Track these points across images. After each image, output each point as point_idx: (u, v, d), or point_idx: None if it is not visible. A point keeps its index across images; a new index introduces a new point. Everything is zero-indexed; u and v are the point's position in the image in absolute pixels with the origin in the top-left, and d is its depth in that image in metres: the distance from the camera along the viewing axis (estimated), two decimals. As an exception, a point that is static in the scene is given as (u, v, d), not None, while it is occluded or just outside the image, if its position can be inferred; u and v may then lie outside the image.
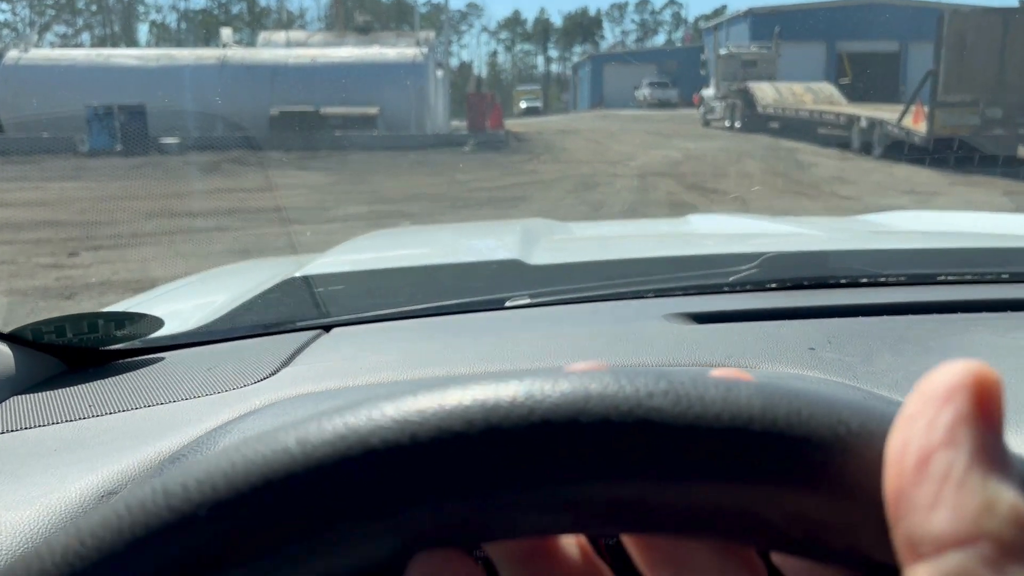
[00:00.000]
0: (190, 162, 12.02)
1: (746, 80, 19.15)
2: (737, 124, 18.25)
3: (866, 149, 12.29)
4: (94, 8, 59.77)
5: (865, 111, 13.29)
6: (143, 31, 63.51)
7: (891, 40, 31.74)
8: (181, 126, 14.37)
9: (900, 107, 11.94)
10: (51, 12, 59.76)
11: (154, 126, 14.00)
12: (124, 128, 13.33)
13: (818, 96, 17.54)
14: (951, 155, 10.21)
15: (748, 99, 17.94)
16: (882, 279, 0.97)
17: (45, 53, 17.41)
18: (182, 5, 63.87)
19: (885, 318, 0.79)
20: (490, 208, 7.93)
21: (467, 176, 10.54)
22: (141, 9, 63.20)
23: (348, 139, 14.24)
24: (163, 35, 62.04)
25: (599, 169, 10.95)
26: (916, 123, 10.98)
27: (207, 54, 17.53)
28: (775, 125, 16.75)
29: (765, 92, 17.82)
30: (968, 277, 0.98)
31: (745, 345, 0.69)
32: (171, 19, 63.67)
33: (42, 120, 14.68)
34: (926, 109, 10.89)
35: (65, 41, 54.29)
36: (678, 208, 7.75)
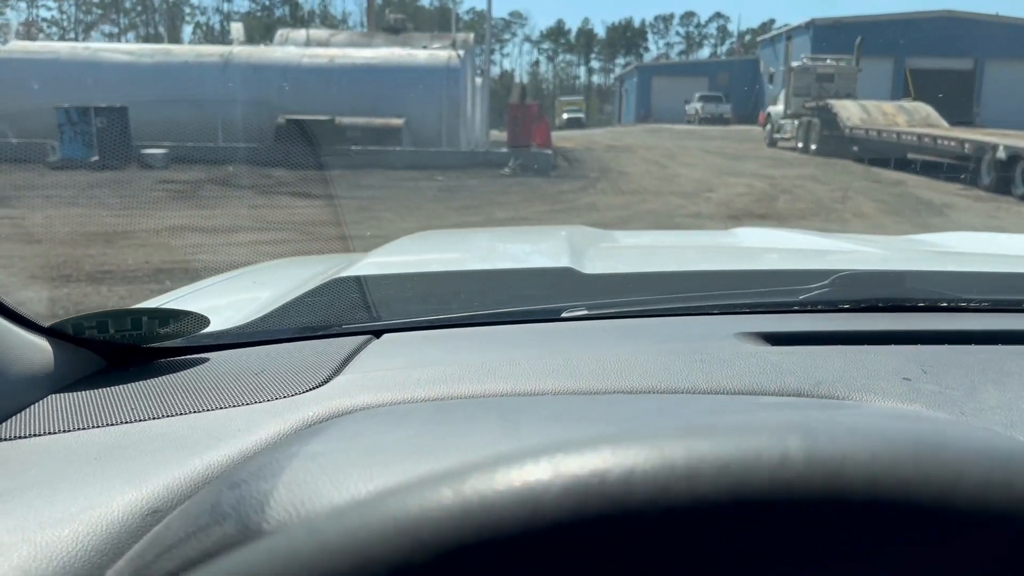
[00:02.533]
0: (166, 182, 9.69)
1: (822, 96, 17.54)
2: (813, 146, 16.53)
3: (1002, 186, 9.98)
4: (139, 8, 59.87)
5: (1004, 139, 10.85)
6: (187, 32, 63.52)
7: (965, 57, 29.68)
8: (176, 133, 12.10)
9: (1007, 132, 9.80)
10: (98, 11, 60.03)
11: (145, 132, 11.72)
12: (102, 135, 11.41)
13: (912, 117, 15.60)
14: None
15: (828, 118, 16.30)
16: (963, 304, 0.93)
17: (24, 45, 15.45)
18: (226, 7, 63.67)
19: (977, 347, 0.76)
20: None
21: (506, 212, 8.28)
22: (187, 10, 63.21)
23: (367, 155, 12.01)
24: (208, 37, 61.75)
25: (674, 204, 8.67)
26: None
27: (209, 51, 15.33)
28: (855, 148, 14.92)
29: (851, 111, 15.91)
30: None
31: (832, 373, 0.66)
32: (215, 20, 63.44)
33: (18, 121, 12.82)
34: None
35: (112, 39, 54.23)
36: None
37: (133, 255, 6.20)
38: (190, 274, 5.29)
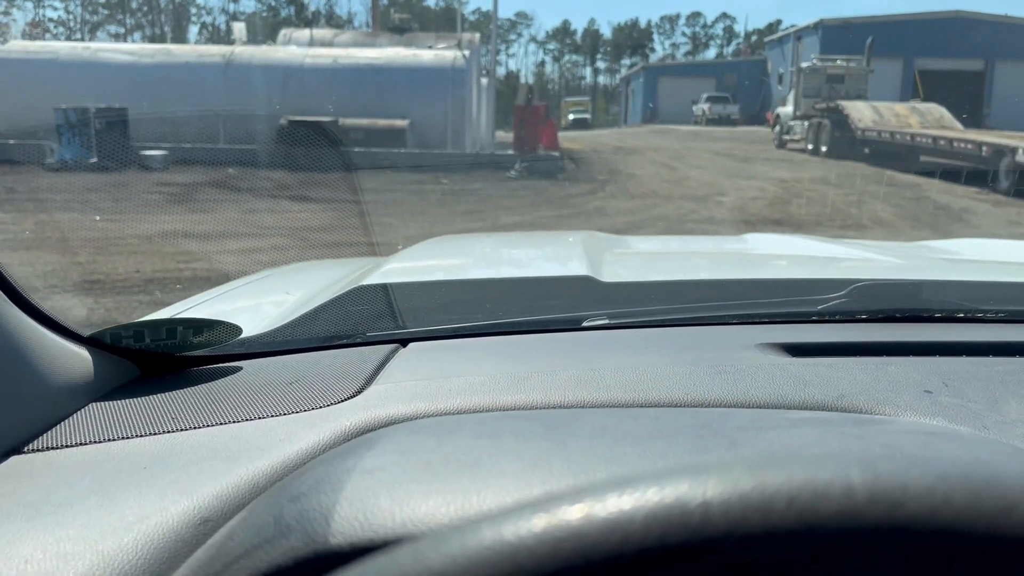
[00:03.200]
0: (164, 184, 9.46)
1: (832, 97, 17.32)
2: (823, 147, 16.27)
3: (1022, 191, 9.72)
4: (146, 8, 59.89)
5: (1019, 142, 10.60)
6: (193, 33, 63.50)
7: (975, 58, 29.40)
8: (176, 134, 11.89)
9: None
10: (104, 11, 60.07)
11: (145, 133, 11.53)
12: (100, 137, 11.23)
13: (926, 119, 15.33)
14: None
15: (839, 120, 16.06)
16: (979, 315, 0.94)
17: (24, 45, 15.28)
18: (231, 7, 63.65)
19: (995, 359, 0.76)
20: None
21: (512, 218, 8.06)
22: (193, 11, 63.21)
23: (371, 157, 11.81)
24: (213, 37, 61.69)
25: (686, 209, 8.44)
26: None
27: (211, 51, 15.13)
28: (866, 151, 14.72)
29: (862, 112, 15.67)
30: None
31: (855, 384, 0.68)
32: (221, 21, 63.38)
33: (17, 122, 12.65)
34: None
35: (118, 39, 54.25)
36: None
37: (124, 262, 6.00)
38: (198, 279, 5.08)
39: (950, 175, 11.36)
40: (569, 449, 0.44)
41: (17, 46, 14.77)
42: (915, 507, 0.27)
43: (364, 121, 12.67)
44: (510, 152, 13.74)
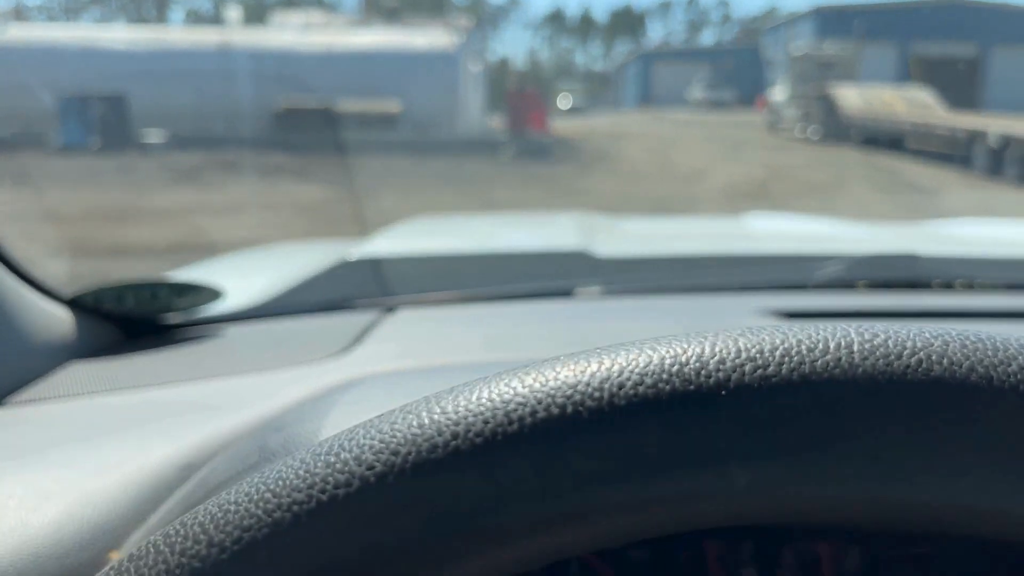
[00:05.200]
0: (168, 166, 9.73)
1: (823, 83, 17.53)
2: (813, 133, 16.49)
3: (994, 171, 10.08)
4: (129, -7, 59.46)
5: (995, 124, 10.93)
6: (178, 18, 63.00)
7: (969, 43, 29.55)
8: (171, 120, 12.14)
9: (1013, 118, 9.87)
10: (86, -3, 59.62)
11: (140, 119, 11.80)
12: (102, 121, 11.51)
13: (913, 104, 15.61)
14: None
15: (828, 105, 16.26)
16: (976, 283, 0.95)
17: (23, 33, 15.51)
18: (217, -9, 63.13)
19: (989, 323, 0.78)
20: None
21: (504, 193, 8.37)
22: (177, -6, 62.72)
23: (364, 141, 12.10)
24: (198, 23, 61.33)
25: (671, 189, 8.75)
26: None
27: (206, 37, 15.41)
28: (857, 136, 14.91)
29: (850, 98, 15.95)
30: None
31: None
32: (206, 7, 62.98)
33: (18, 108, 12.86)
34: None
35: (101, 26, 53.86)
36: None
37: (144, 233, 6.30)
38: (174, 255, 5.40)
39: (931, 157, 11.70)
40: None
41: (14, 34, 15.00)
42: (913, 360, 0.27)
43: (359, 105, 12.96)
44: (502, 136, 14.05)
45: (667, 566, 0.38)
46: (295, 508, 0.25)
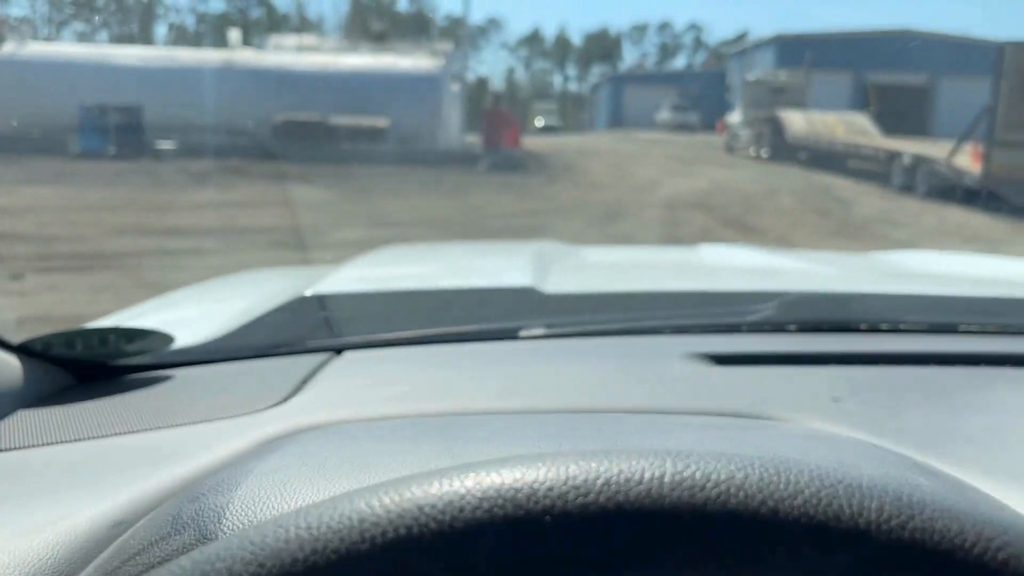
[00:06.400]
0: (183, 170, 11.10)
1: (774, 108, 18.57)
2: (764, 153, 17.68)
3: (907, 187, 11.50)
4: (113, 7, 59.87)
5: (909, 147, 12.45)
6: (161, 32, 63.50)
7: (920, 72, 31.10)
8: (180, 130, 13.49)
9: (942, 143, 11.24)
10: (69, 9, 59.96)
11: (151, 129, 13.17)
12: (118, 130, 12.66)
13: (851, 128, 16.90)
14: (1010, 199, 9.33)
15: (777, 128, 17.40)
16: (902, 326, 0.97)
17: (41, 48, 16.68)
18: (200, 7, 63.85)
19: (908, 368, 0.80)
20: (505, 239, 7.11)
21: (480, 199, 9.71)
22: (160, 10, 63.28)
23: (355, 151, 13.40)
24: (181, 37, 61.99)
25: (624, 197, 10.12)
26: (968, 163, 10.16)
27: (211, 56, 16.72)
28: (803, 156, 16.13)
29: (795, 121, 17.21)
30: (991, 328, 0.98)
31: (768, 393, 0.69)
32: (190, 21, 63.62)
33: (33, 119, 13.96)
34: (981, 148, 10.04)
35: (82, 39, 54.36)
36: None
37: (181, 220, 7.50)
38: (219, 235, 6.63)
39: (862, 175, 13.10)
40: (457, 451, 0.47)
41: (36, 49, 16.15)
42: (713, 492, 0.30)
43: (350, 120, 14.32)
44: (479, 150, 15.43)
45: None
46: None
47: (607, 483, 0.31)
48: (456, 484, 0.31)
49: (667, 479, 0.31)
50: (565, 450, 0.37)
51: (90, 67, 15.16)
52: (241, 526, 0.40)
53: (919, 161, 11.46)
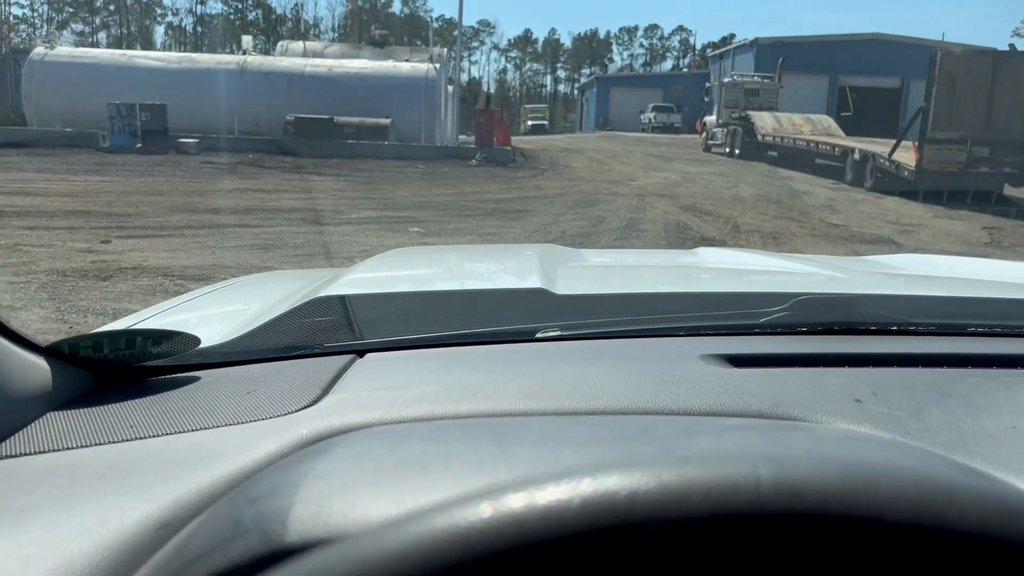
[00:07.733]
0: (207, 163, 12.51)
1: (748, 109, 19.58)
2: (737, 151, 18.69)
3: (858, 181, 12.74)
4: (112, 8, 60.43)
5: (859, 144, 13.74)
6: (159, 33, 64.18)
7: (893, 76, 32.25)
8: (200, 127, 14.91)
9: (895, 142, 12.44)
10: (69, 10, 60.39)
11: (174, 126, 14.62)
12: (145, 127, 13.86)
13: (816, 127, 17.97)
14: (941, 190, 10.62)
15: (748, 127, 18.42)
16: (912, 327, 0.98)
17: (70, 51, 17.89)
18: (199, 9, 64.54)
19: (923, 369, 0.81)
20: (495, 218, 8.36)
21: (473, 188, 10.99)
22: (158, 11, 63.92)
23: (360, 147, 14.72)
24: (179, 38, 62.74)
25: (600, 187, 11.39)
26: (908, 158, 11.44)
27: (227, 59, 18.01)
28: (774, 153, 17.21)
29: (765, 121, 18.23)
30: (999, 329, 1.00)
31: (790, 394, 0.71)
32: (187, 22, 64.34)
33: (66, 117, 15.17)
34: (916, 144, 11.36)
35: (82, 39, 54.98)
36: (672, 226, 8.18)
37: (220, 202, 8.72)
38: (255, 213, 7.86)
39: (822, 170, 14.18)
40: (513, 453, 0.46)
41: (64, 52, 17.36)
42: (813, 497, 0.30)
43: (355, 119, 15.63)
44: (472, 146, 16.72)
45: None
46: None
47: (708, 491, 0.32)
48: (552, 492, 0.32)
49: (765, 486, 0.32)
50: (645, 454, 0.40)
51: (117, 69, 16.43)
52: (306, 528, 0.39)
53: (867, 156, 12.75)
